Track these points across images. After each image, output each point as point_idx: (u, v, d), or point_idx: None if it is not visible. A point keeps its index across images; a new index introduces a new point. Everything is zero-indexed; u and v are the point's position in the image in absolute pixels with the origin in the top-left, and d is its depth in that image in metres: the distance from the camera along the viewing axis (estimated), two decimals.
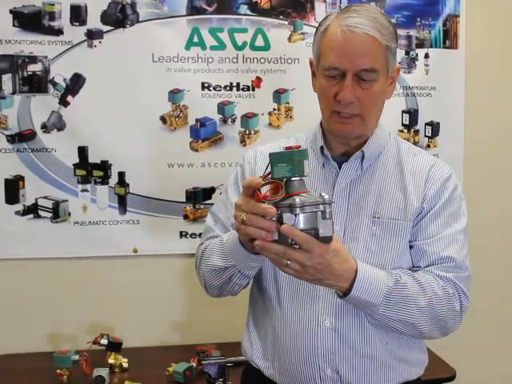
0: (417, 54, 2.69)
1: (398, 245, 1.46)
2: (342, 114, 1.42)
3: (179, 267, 2.61)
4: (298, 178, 1.14)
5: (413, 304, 1.37)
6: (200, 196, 2.59)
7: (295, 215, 1.11)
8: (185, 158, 2.56)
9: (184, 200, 2.58)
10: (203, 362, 2.10)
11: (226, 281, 1.45)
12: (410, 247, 1.48)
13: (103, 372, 2.17)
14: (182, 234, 2.60)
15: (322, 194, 1.14)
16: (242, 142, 2.59)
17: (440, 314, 1.41)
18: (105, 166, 2.52)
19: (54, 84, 2.46)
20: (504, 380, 2.91)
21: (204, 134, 2.56)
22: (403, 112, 2.70)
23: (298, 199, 1.10)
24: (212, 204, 2.44)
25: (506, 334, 2.89)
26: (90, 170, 2.51)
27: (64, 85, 2.46)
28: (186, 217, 2.59)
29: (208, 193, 2.59)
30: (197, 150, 2.56)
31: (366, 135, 1.49)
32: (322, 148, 1.51)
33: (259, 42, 2.56)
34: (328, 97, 1.42)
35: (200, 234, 2.56)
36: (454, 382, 2.32)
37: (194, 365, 2.26)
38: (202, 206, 2.59)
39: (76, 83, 2.47)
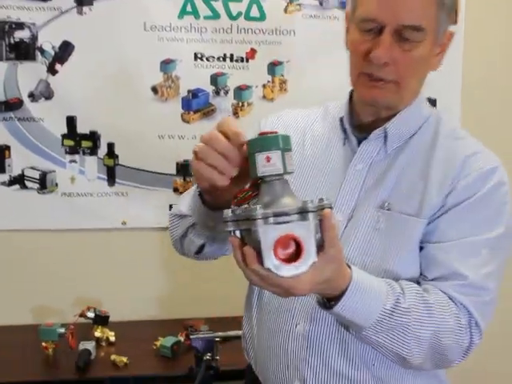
0: None
1: (405, 246, 1.19)
2: (372, 76, 1.17)
3: (168, 240, 2.37)
4: (276, 177, 0.93)
5: (411, 335, 1.11)
6: (190, 169, 2.35)
7: (255, 228, 0.87)
8: (176, 130, 2.52)
9: (174, 172, 2.55)
10: (191, 337, 2.04)
11: (184, 232, 1.29)
12: (420, 249, 1.21)
13: (89, 345, 2.17)
14: (172, 207, 2.49)
15: (322, 197, 0.91)
16: (235, 114, 2.55)
17: (443, 348, 1.15)
18: (94, 137, 2.48)
19: (42, 51, 2.41)
20: None
21: (196, 106, 2.52)
22: None
23: (259, 209, 0.87)
24: None
25: None
26: (79, 141, 2.48)
27: (52, 52, 2.41)
28: (175, 190, 2.56)
29: None
30: (188, 122, 2.53)
31: (399, 107, 1.24)
32: (342, 120, 1.29)
33: (254, 12, 2.52)
34: (358, 54, 1.18)
35: None
36: None
37: (182, 339, 2.25)
38: (192, 179, 2.55)
39: (65, 51, 2.42)
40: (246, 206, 0.94)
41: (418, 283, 1.19)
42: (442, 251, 1.17)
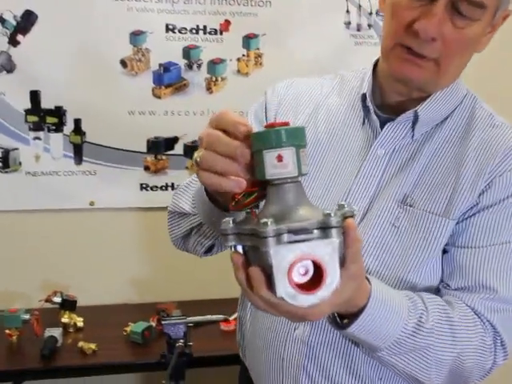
0: None
1: (427, 250, 1.06)
2: (411, 50, 1.02)
3: (139, 221, 2.52)
4: (289, 181, 0.76)
5: (431, 358, 1.00)
6: (162, 146, 2.48)
7: (265, 249, 0.71)
8: (146, 106, 2.44)
9: (145, 150, 2.47)
10: (163, 323, 1.92)
11: (187, 232, 1.17)
12: (443, 252, 1.09)
13: (56, 332, 2.08)
14: (143, 187, 2.50)
15: (343, 203, 0.75)
16: (209, 89, 2.47)
17: (463, 370, 1.04)
18: (59, 112, 2.38)
19: (3, 21, 2.28)
20: None
21: (167, 80, 2.43)
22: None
23: (270, 225, 0.70)
24: (175, 155, 2.48)
25: None
26: (43, 117, 2.38)
27: (14, 22, 2.29)
28: (146, 168, 2.49)
29: (171, 143, 2.48)
30: (159, 97, 2.44)
31: (434, 90, 1.10)
32: (364, 96, 1.14)
33: None
34: (400, 21, 1.02)
35: (162, 187, 2.49)
36: None
37: (154, 324, 2.18)
38: (163, 157, 2.49)
39: (27, 21, 2.30)
40: (248, 209, 0.79)
41: (438, 290, 1.09)
42: (470, 258, 1.05)
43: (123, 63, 2.39)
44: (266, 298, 0.74)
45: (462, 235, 1.06)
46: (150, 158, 2.48)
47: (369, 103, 1.12)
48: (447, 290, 1.07)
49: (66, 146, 2.41)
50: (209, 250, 1.19)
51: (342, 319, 0.92)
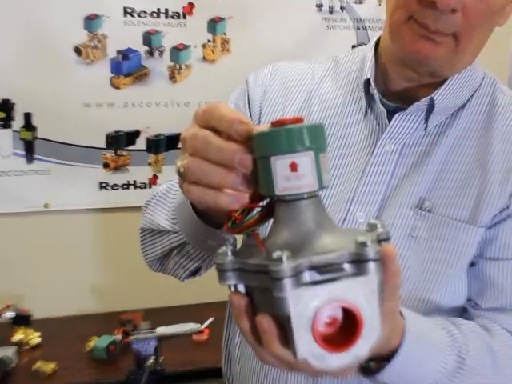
0: None
1: (452, 263, 0.94)
2: (426, 26, 0.89)
3: (99, 224, 2.38)
4: (305, 196, 0.60)
5: None
6: (122, 141, 2.34)
7: (280, 294, 0.55)
8: (104, 97, 2.30)
9: (104, 146, 2.33)
10: (131, 338, 1.83)
11: (165, 252, 1.02)
12: (470, 266, 0.97)
13: (8, 352, 1.90)
14: (102, 186, 2.35)
15: (374, 222, 0.61)
16: (172, 78, 2.33)
17: None
18: (7, 106, 2.22)
19: None
20: None
21: (127, 69, 2.30)
22: (353, 47, 2.47)
23: (286, 261, 0.54)
24: (137, 150, 2.36)
25: None
26: None
27: None
28: (106, 165, 2.34)
29: (132, 137, 2.35)
30: (118, 87, 2.30)
31: (450, 73, 0.97)
32: (367, 83, 1.02)
33: None
34: None
35: (123, 186, 2.36)
36: None
37: (119, 338, 2.03)
38: (124, 153, 2.34)
39: None
40: (249, 232, 0.64)
41: (464, 310, 0.96)
42: (503, 271, 0.92)
43: (77, 51, 2.24)
44: (280, 357, 0.58)
45: (491, 245, 0.93)
46: (109, 155, 2.34)
47: (373, 90, 0.99)
48: (477, 311, 0.95)
49: (15, 144, 2.24)
50: (194, 273, 1.04)
51: (369, 361, 0.76)
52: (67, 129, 2.27)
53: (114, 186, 2.36)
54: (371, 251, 0.55)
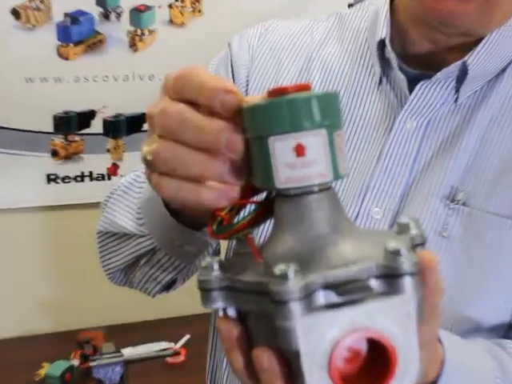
0: None
1: (496, 270, 0.89)
2: None
3: (47, 225, 2.27)
4: (315, 190, 0.54)
5: None
6: (74, 123, 2.21)
7: (285, 323, 0.48)
8: (50, 70, 2.13)
9: (51, 130, 2.18)
10: (91, 364, 1.70)
11: (130, 261, 0.98)
12: None
13: None
14: (50, 178, 2.22)
15: (406, 221, 0.56)
16: (132, 46, 2.18)
17: None
18: None
19: None
20: None
21: (77, 35, 2.14)
22: (349, 6, 2.32)
23: (293, 276, 0.48)
24: (92, 134, 2.18)
25: None
26: None
27: None
28: (54, 153, 2.21)
29: (85, 118, 2.21)
30: (67, 58, 2.15)
31: (483, 32, 0.92)
32: (381, 44, 0.96)
33: None
34: None
35: (76, 178, 2.22)
36: None
37: (77, 363, 1.89)
38: (77, 138, 2.20)
39: None
40: (240, 236, 0.57)
41: (510, 327, 0.90)
42: None
43: (15, 13, 2.08)
44: None
45: None
46: (58, 140, 2.21)
47: (390, 54, 0.92)
48: None
49: None
50: (167, 287, 0.99)
51: None
52: (5, 109, 2.13)
53: (65, 179, 2.23)
54: (407, 262, 0.48)
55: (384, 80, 0.96)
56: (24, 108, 2.12)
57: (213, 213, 0.56)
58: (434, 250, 0.87)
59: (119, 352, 1.75)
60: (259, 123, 0.51)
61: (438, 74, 0.89)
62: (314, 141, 0.50)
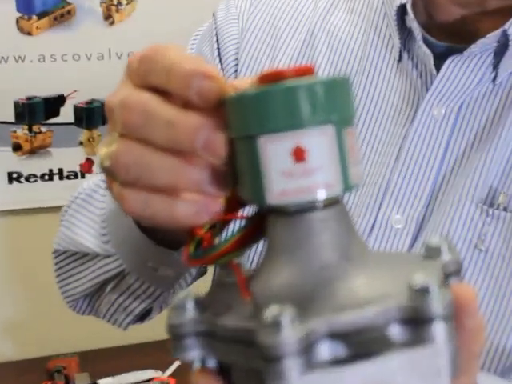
0: None
1: None
2: None
3: (9, 232, 2.15)
4: (319, 206, 0.49)
5: None
6: (40, 111, 2.06)
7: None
8: (10, 48, 1.97)
9: (12, 120, 2.03)
10: None
11: (95, 287, 0.92)
12: None
13: None
14: (12, 177, 2.08)
15: (436, 243, 0.51)
16: (108, 18, 2.02)
17: None
18: None
19: None
20: None
21: (41, 6, 1.98)
22: None
23: (288, 323, 0.43)
24: (61, 124, 2.03)
25: None
26: None
27: None
28: (17, 147, 2.06)
29: (53, 105, 2.06)
30: (30, 33, 1.99)
31: None
32: (401, 10, 0.90)
33: None
34: None
35: (44, 176, 2.08)
36: None
37: None
38: (43, 129, 2.05)
39: None
40: (223, 262, 0.52)
41: None
42: None
43: None
44: None
45: None
46: (20, 132, 2.07)
47: (412, 22, 0.87)
48: None
49: None
50: (141, 317, 0.97)
51: None
52: None
53: (30, 178, 2.11)
54: (438, 302, 0.42)
55: (405, 56, 0.91)
56: None
57: (190, 231, 0.51)
58: (469, 267, 0.85)
59: (95, 383, 1.76)
60: (246, 119, 0.46)
61: (472, 46, 0.85)
62: (318, 141, 0.45)
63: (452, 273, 0.47)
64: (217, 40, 0.99)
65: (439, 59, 0.86)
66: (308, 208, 0.46)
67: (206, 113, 0.47)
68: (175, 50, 0.48)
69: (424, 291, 0.42)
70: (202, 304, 0.48)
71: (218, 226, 0.51)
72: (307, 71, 0.46)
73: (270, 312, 0.40)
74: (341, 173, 0.45)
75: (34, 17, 1.98)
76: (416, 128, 0.88)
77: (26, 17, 1.97)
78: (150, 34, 2.01)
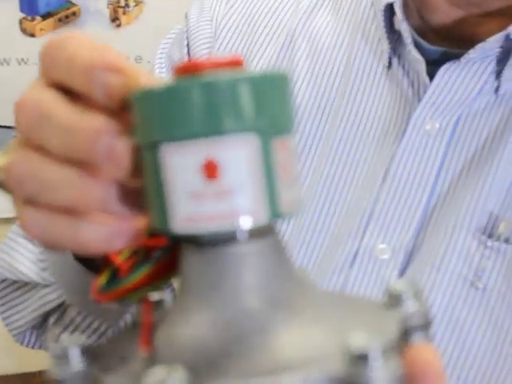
0: None
1: None
2: None
3: None
4: (238, 237, 0.41)
5: None
6: None
7: None
8: (13, 50, 1.94)
9: (13, 124, 1.90)
10: None
11: (36, 320, 0.86)
12: None
13: None
14: None
15: (397, 287, 0.43)
16: (115, 20, 1.97)
17: None
18: None
19: None
20: None
21: (45, 6, 1.96)
22: None
23: (174, 378, 0.35)
24: None
25: None
26: None
27: None
28: None
29: None
30: (33, 35, 1.96)
31: None
32: (389, 10, 0.83)
33: None
34: None
35: None
36: None
37: None
38: None
39: None
40: (134, 299, 0.44)
41: None
42: None
43: None
44: None
45: None
46: None
47: (400, 24, 0.81)
48: None
49: None
50: None
51: None
52: None
53: None
54: (378, 376, 0.34)
55: (395, 62, 0.84)
56: None
57: (106, 259, 0.44)
58: (464, 308, 0.77)
59: None
60: (149, 121, 0.38)
61: (470, 51, 0.78)
62: (236, 154, 0.38)
63: (415, 328, 0.39)
64: (187, 44, 0.94)
65: (433, 66, 0.80)
66: (224, 240, 0.38)
67: (112, 115, 0.41)
68: (79, 39, 0.42)
69: (362, 358, 0.34)
70: (93, 352, 0.40)
71: (140, 253, 0.44)
72: (234, 63, 0.39)
73: (155, 375, 0.33)
74: (266, 196, 0.38)
75: (38, 18, 1.95)
76: (406, 145, 0.81)
77: (29, 18, 1.94)
78: (158, 36, 1.97)
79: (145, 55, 1.97)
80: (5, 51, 1.94)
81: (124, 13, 1.98)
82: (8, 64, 1.96)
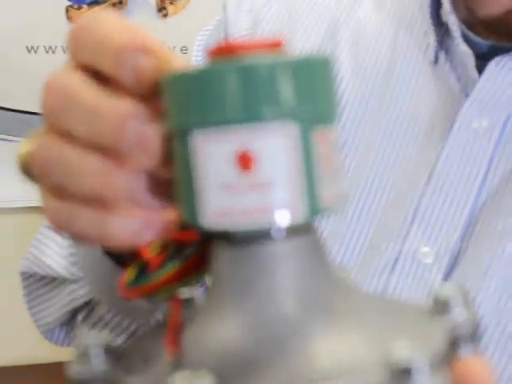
0: None
1: None
2: None
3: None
4: (273, 235, 0.37)
5: None
6: None
7: None
8: (58, 37, 1.77)
9: None
10: None
11: (64, 317, 0.83)
12: None
13: None
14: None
15: (446, 293, 0.39)
16: (161, 10, 1.95)
17: None
18: None
19: None
20: None
21: None
22: None
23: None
24: None
25: None
26: None
27: None
28: None
29: None
30: None
31: None
32: (436, 5, 0.82)
33: None
34: None
35: None
36: None
37: None
38: None
39: None
40: (163, 296, 0.42)
41: None
42: None
43: None
44: None
45: None
46: None
47: (448, 16, 0.79)
48: None
49: None
50: None
51: None
52: (3, 84, 1.92)
53: None
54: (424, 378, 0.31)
55: (442, 57, 0.82)
56: (24, 84, 1.92)
57: (135, 253, 0.42)
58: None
59: None
60: (181, 106, 0.36)
61: None
62: (273, 143, 0.35)
63: (463, 338, 0.36)
64: (225, 35, 0.91)
65: (482, 60, 0.77)
66: (258, 237, 0.35)
67: (141, 100, 0.39)
68: (109, 20, 0.40)
69: (405, 372, 0.31)
70: (116, 352, 0.38)
71: (170, 248, 0.41)
72: (273, 46, 0.36)
73: (178, 380, 0.31)
74: (305, 190, 0.35)
75: (85, 6, 1.94)
76: (452, 144, 0.78)
77: (75, 6, 1.93)
78: (204, 27, 1.96)
79: (191, 46, 1.97)
80: (51, 39, 1.93)
81: (171, 3, 1.97)
82: (53, 52, 1.95)
